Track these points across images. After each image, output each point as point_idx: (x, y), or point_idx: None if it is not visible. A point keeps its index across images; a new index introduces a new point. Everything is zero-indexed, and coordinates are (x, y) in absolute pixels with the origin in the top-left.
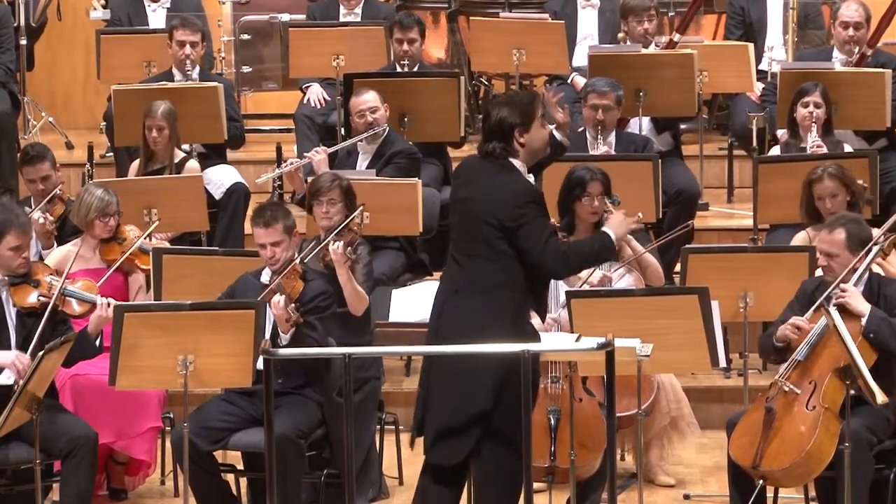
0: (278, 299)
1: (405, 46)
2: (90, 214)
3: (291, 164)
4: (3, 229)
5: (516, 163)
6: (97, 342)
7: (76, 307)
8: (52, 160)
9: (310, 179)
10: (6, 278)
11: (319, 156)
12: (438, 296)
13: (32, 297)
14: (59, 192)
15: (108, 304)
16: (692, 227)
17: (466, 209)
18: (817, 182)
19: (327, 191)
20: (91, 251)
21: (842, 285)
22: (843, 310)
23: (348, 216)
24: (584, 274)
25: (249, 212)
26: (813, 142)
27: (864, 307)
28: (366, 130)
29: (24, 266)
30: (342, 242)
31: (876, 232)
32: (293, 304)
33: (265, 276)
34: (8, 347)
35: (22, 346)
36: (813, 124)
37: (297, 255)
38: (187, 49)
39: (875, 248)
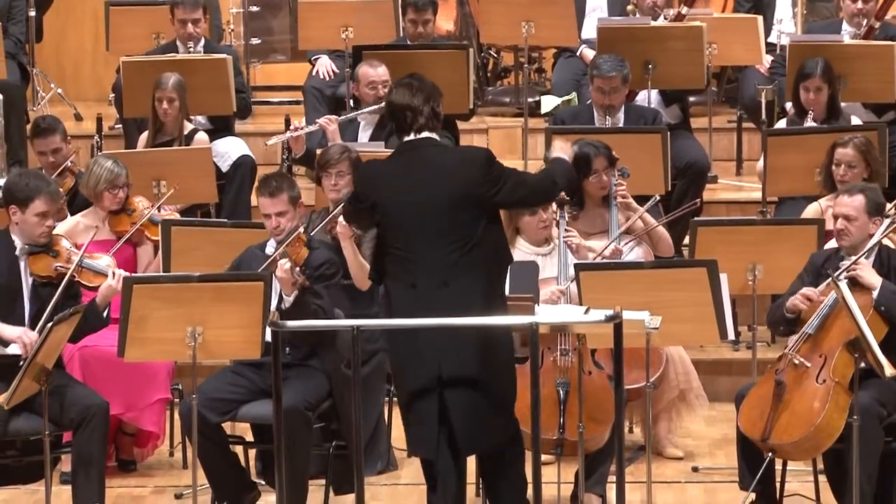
0: (283, 262)
1: (419, 28)
2: (100, 186)
3: (301, 129)
4: (33, 194)
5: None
6: (105, 314)
7: (92, 279)
8: (62, 132)
9: (319, 151)
10: (26, 247)
11: (332, 125)
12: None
13: (50, 267)
14: (69, 164)
15: (121, 277)
16: (700, 202)
17: (429, 204)
18: (841, 146)
19: (336, 163)
20: (101, 223)
21: (854, 258)
22: (855, 283)
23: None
24: (597, 247)
25: (257, 184)
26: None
27: (875, 280)
28: (374, 103)
29: (46, 235)
30: None
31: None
32: (298, 269)
33: (270, 248)
34: (22, 317)
35: (35, 317)
36: (811, 110)
37: (302, 226)
38: (189, 28)
39: (887, 221)
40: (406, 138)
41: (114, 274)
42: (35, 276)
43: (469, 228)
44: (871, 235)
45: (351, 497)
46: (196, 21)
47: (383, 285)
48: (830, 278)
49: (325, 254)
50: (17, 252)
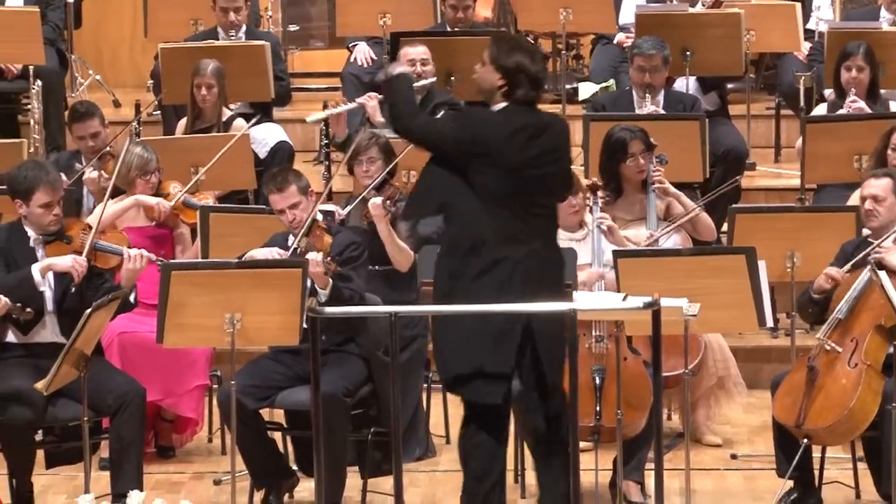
0: (313, 255)
1: (459, 13)
2: (131, 173)
3: (342, 105)
4: (33, 186)
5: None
6: (132, 297)
7: (109, 261)
8: (100, 116)
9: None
10: (40, 236)
11: (373, 102)
12: (522, 262)
13: (66, 260)
14: (109, 148)
15: (140, 256)
16: (739, 183)
17: (552, 168)
18: None
19: (365, 149)
20: (135, 210)
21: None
22: (881, 266)
23: (390, 173)
24: (633, 235)
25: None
26: (850, 101)
27: None
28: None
29: (55, 223)
30: (381, 197)
31: None
32: (328, 258)
33: (292, 238)
34: (43, 305)
35: (59, 303)
36: (853, 88)
37: (317, 213)
38: (231, 16)
39: None
40: (514, 104)
41: (129, 255)
42: None
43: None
44: None
45: (388, 481)
46: (238, 9)
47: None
48: (861, 262)
49: (347, 236)
50: (31, 243)
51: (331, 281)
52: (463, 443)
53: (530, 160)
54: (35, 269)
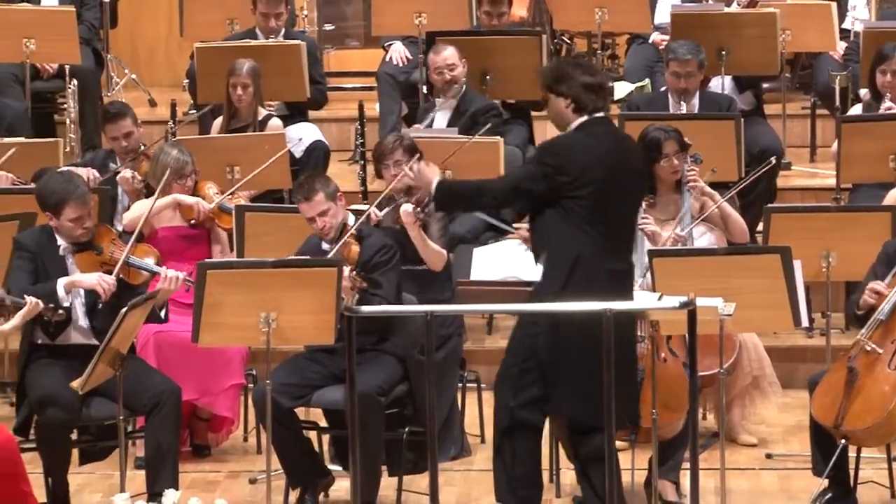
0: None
1: (494, 21)
2: (167, 176)
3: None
4: (62, 200)
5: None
6: (162, 312)
7: (138, 277)
8: (133, 116)
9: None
10: (70, 245)
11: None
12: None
13: (95, 265)
14: (142, 147)
15: (176, 279)
16: (774, 168)
17: (636, 179)
18: None
19: (391, 152)
20: (171, 210)
21: None
22: None
23: None
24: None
25: (331, 167)
26: (887, 108)
27: None
28: (443, 87)
29: (85, 235)
30: (412, 203)
31: None
32: (353, 272)
33: (326, 244)
34: (76, 312)
35: (91, 311)
36: (888, 93)
37: (349, 218)
38: (271, 22)
39: None
40: (589, 116)
41: (165, 275)
42: (83, 272)
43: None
44: None
45: (424, 480)
46: (279, 15)
47: (568, 260)
48: None
49: (378, 240)
50: (60, 251)
51: (356, 296)
52: None
53: (618, 174)
54: (60, 285)
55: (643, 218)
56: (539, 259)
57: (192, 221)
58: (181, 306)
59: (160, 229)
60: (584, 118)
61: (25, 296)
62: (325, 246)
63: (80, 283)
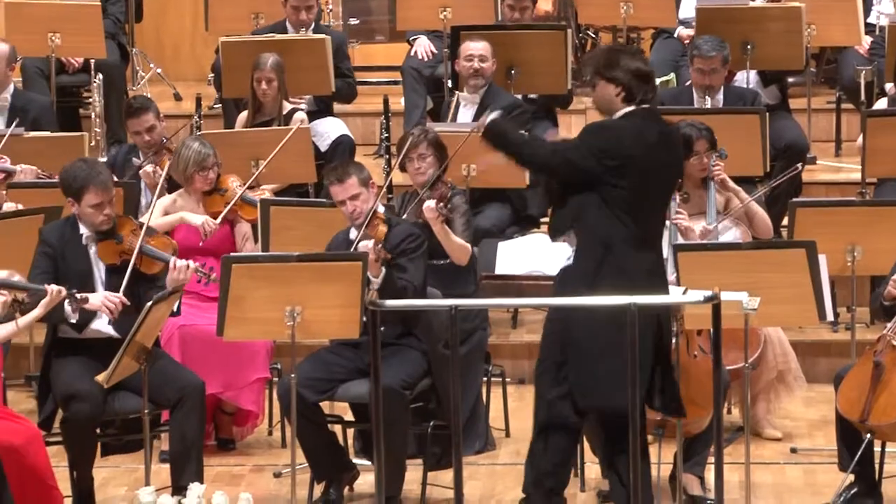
0: (366, 243)
1: (516, 14)
2: (189, 169)
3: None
4: (84, 186)
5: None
6: (175, 307)
7: (152, 267)
8: (155, 111)
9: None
10: (93, 234)
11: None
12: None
13: (115, 254)
14: (165, 141)
15: (186, 267)
16: (800, 177)
17: (675, 173)
18: None
19: (415, 146)
20: (195, 204)
21: None
22: None
23: (440, 168)
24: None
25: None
26: None
27: None
28: (470, 76)
29: (107, 223)
30: (434, 199)
31: None
32: (379, 245)
33: (353, 233)
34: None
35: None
36: None
37: (377, 205)
38: (302, 15)
39: None
40: (637, 106)
41: (174, 264)
42: (103, 261)
43: None
44: None
45: (448, 474)
46: (310, 7)
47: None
48: None
49: (406, 228)
50: (83, 241)
51: (383, 270)
52: None
53: (660, 167)
54: (67, 305)
55: (677, 213)
56: (557, 237)
57: (201, 244)
58: (204, 300)
59: (184, 226)
60: (632, 108)
61: (45, 285)
62: (352, 234)
63: (87, 304)
